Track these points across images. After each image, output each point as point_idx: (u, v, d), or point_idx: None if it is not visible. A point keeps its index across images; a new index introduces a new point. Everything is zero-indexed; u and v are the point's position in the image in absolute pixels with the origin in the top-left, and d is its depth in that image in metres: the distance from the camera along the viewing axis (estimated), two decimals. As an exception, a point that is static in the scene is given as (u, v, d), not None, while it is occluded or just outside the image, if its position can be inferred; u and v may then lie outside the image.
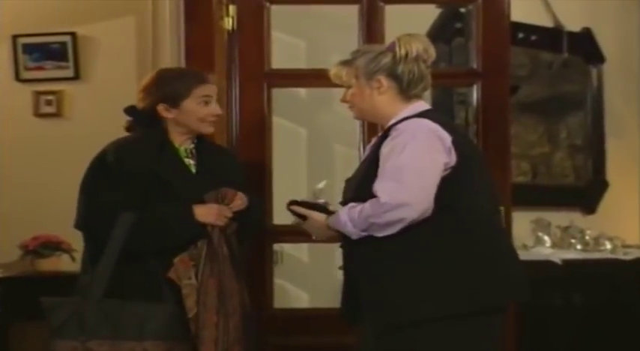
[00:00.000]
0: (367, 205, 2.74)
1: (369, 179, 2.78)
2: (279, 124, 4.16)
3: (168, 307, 2.98)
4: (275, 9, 3.97)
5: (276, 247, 4.15)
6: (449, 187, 2.75)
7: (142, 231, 2.98)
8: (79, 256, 3.37)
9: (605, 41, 6.05)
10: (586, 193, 6.04)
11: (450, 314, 2.72)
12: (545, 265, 5.07)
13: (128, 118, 3.20)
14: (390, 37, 3.09)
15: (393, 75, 2.89)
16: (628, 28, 6.20)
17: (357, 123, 3.84)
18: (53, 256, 4.11)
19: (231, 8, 3.93)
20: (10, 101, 4.31)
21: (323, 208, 2.94)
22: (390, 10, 3.94)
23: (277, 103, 4.01)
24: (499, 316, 2.85)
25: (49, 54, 4.30)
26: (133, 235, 2.97)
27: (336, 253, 3.00)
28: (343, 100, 2.99)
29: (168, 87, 3.13)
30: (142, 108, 3.16)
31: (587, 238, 5.55)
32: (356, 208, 2.77)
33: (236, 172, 3.24)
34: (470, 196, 2.80)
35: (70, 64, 4.29)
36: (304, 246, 4.71)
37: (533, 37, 5.73)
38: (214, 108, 3.17)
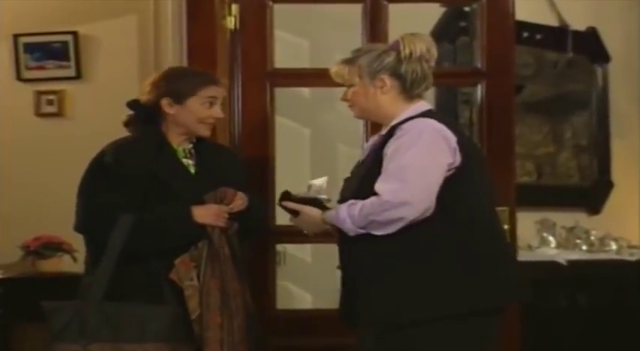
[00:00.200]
0: (368, 202, 2.73)
1: (370, 178, 2.77)
2: (282, 124, 4.14)
3: (170, 308, 2.97)
4: (278, 8, 3.95)
5: (279, 247, 4.13)
6: (451, 187, 2.75)
7: (141, 232, 2.96)
8: (80, 256, 3.36)
9: (611, 41, 6.02)
10: (591, 193, 6.01)
11: (450, 314, 2.72)
12: (550, 265, 5.07)
13: (130, 113, 3.19)
14: (393, 36, 3.07)
15: (396, 74, 2.88)
16: (633, 27, 6.18)
17: (360, 123, 3.82)
18: (54, 257, 4.10)
19: (234, 7, 3.92)
20: (11, 101, 4.30)
21: (317, 202, 2.92)
22: (393, 8, 3.92)
23: (280, 102, 4.00)
24: (499, 316, 2.85)
25: (51, 53, 4.29)
26: (132, 236, 2.95)
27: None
28: (344, 99, 2.97)
29: (176, 83, 3.13)
30: (146, 101, 3.15)
31: (592, 238, 5.54)
32: (356, 205, 2.76)
33: (237, 172, 3.22)
34: (472, 196, 2.80)
35: (72, 63, 4.28)
36: (307, 247, 4.69)
37: (538, 37, 5.71)
38: (216, 111, 3.15)
